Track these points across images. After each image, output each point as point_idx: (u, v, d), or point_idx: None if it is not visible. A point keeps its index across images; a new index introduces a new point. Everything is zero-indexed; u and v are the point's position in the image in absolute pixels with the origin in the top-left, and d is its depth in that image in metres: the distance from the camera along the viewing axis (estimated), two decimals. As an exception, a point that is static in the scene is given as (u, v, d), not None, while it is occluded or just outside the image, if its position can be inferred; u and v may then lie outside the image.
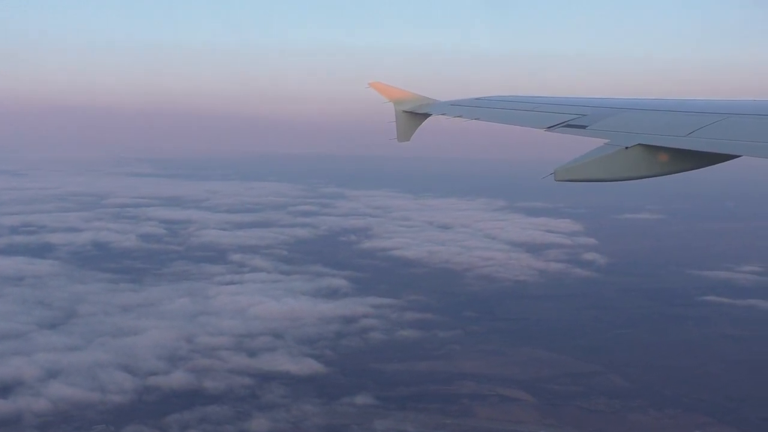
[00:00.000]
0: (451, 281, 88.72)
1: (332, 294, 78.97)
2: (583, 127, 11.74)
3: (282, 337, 64.26)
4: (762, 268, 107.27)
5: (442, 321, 70.78)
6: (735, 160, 9.31)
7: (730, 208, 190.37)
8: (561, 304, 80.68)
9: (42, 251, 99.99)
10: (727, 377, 61.30)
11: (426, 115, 18.48)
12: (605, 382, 58.91)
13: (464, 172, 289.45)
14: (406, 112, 18.71)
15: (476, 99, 17.76)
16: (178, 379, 56.27)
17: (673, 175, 9.73)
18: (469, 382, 57.21)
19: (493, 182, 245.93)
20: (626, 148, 9.59)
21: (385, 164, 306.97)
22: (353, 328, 67.56)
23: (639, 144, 9.67)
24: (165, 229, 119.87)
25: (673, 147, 9.53)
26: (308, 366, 58.96)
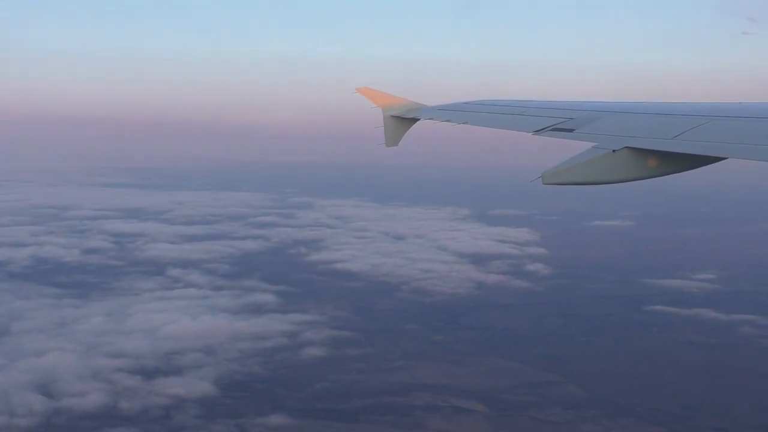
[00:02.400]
0: (382, 295, 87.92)
1: (255, 311, 78.11)
2: (571, 130, 11.81)
3: (188, 357, 63.45)
4: (716, 275, 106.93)
5: (353, 338, 69.96)
6: (721, 162, 9.43)
7: (705, 213, 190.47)
8: (485, 316, 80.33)
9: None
10: (683, 385, 61.41)
11: (414, 120, 18.44)
12: (561, 391, 59.12)
13: (444, 179, 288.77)
14: (394, 117, 18.66)
15: (464, 103, 17.68)
16: (86, 401, 55.47)
17: (659, 178, 9.84)
18: (360, 400, 56.40)
19: (472, 189, 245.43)
20: (613, 151, 9.64)
21: (367, 172, 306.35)
22: (264, 346, 66.66)
23: (626, 147, 9.71)
24: (113, 243, 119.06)
25: (660, 150, 9.60)
26: (215, 385, 58.28)
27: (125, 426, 52.17)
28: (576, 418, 54.32)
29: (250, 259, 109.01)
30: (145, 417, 53.54)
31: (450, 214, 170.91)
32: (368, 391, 58.13)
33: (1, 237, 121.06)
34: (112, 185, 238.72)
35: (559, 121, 12.67)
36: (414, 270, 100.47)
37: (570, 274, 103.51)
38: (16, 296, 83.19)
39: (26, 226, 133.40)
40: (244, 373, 61.04)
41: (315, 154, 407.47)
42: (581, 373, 62.71)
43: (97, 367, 61.22)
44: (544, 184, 9.48)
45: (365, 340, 69.98)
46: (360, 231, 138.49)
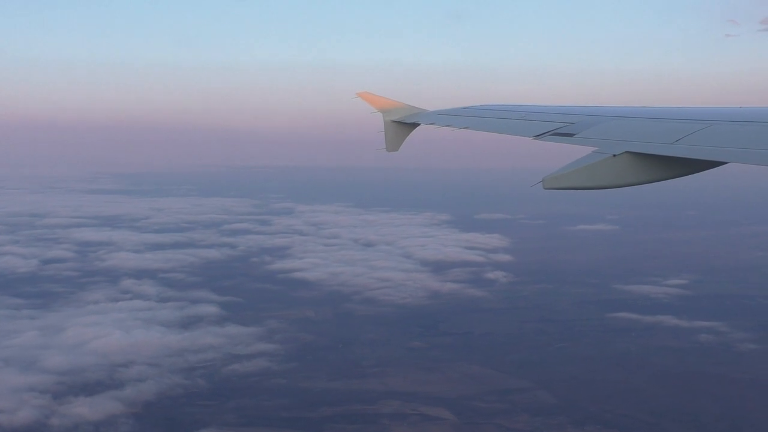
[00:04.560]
0: (330, 306, 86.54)
1: (193, 323, 76.72)
2: (571, 135, 11.84)
3: (108, 373, 62.23)
4: (688, 280, 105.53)
5: (281, 353, 68.61)
6: (722, 166, 9.44)
7: (692, 217, 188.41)
8: (432, 324, 79.01)
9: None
10: (652, 391, 60.70)
11: (415, 125, 18.34)
12: (531, 398, 58.76)
13: (440, 183, 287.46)
14: (395, 121, 18.57)
15: (465, 108, 17.61)
16: (13, 418, 54.55)
17: (659, 182, 9.77)
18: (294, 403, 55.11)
19: (466, 193, 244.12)
20: (614, 155, 9.66)
21: (362, 176, 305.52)
22: (190, 361, 65.33)
23: (627, 152, 9.73)
24: (75, 253, 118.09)
25: (660, 154, 9.60)
26: (135, 402, 57.14)
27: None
28: (542, 426, 54.07)
29: (209, 269, 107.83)
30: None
31: (428, 220, 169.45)
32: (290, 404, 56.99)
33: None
34: (100, 191, 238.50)
35: (560, 125, 12.66)
36: (370, 279, 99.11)
37: (531, 281, 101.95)
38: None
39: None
40: (169, 388, 59.77)
41: (310, 159, 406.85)
42: (553, 380, 62.44)
43: (22, 383, 60.21)
44: (544, 188, 9.43)
45: (295, 353, 68.68)
46: (331, 238, 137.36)
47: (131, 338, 70.37)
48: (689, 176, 9.96)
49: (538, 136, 12.59)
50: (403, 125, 18.63)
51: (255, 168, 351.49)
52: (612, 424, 54.47)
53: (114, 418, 54.12)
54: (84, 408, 54.97)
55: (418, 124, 18.21)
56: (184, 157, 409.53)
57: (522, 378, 63.19)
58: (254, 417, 54.90)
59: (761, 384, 63.91)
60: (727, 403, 59.22)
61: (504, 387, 61.23)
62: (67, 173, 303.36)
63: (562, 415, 55.63)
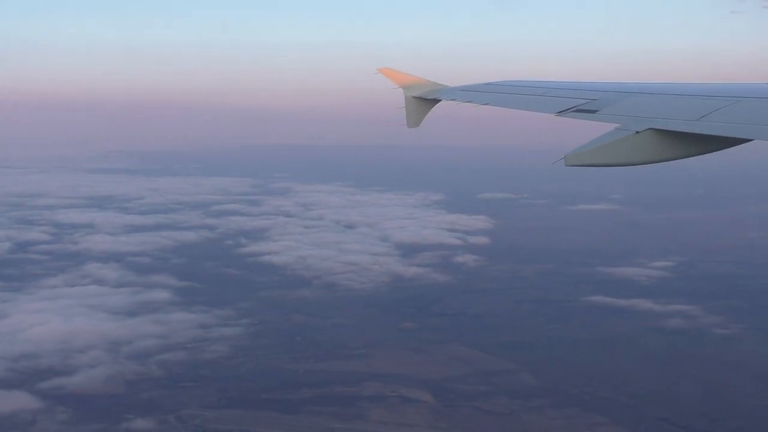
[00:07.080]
0: (288, 291, 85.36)
1: (141, 310, 75.96)
2: (594, 111, 11.83)
3: (36, 362, 61.73)
4: (674, 263, 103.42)
5: (236, 336, 67.84)
6: (746, 144, 9.33)
7: (699, 197, 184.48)
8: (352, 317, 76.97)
9: None
10: (636, 375, 60.53)
11: (435, 101, 18.38)
12: (514, 380, 59.17)
13: (453, 161, 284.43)
14: (416, 97, 18.61)
15: (486, 84, 17.70)
16: None
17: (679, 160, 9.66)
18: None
19: (477, 171, 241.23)
20: (637, 132, 9.60)
21: (374, 154, 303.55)
22: (125, 351, 64.61)
23: (650, 128, 9.66)
24: (52, 235, 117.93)
25: (684, 131, 9.51)
26: (68, 391, 56.84)
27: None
28: (521, 408, 53.82)
29: (179, 252, 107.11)
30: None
31: (419, 200, 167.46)
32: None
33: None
34: (107, 170, 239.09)
35: (582, 102, 12.60)
36: (337, 263, 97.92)
37: (499, 264, 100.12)
38: None
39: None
40: (118, 374, 59.84)
41: (326, 138, 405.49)
42: (538, 362, 62.53)
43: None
44: (566, 165, 9.34)
45: (248, 339, 68.19)
46: (314, 220, 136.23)
47: (68, 326, 69.72)
48: (713, 154, 9.77)
49: (560, 113, 12.46)
50: (424, 101, 18.50)
51: (267, 147, 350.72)
52: (590, 407, 54.18)
53: (26, 413, 53.69)
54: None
55: (439, 100, 18.14)
56: (198, 135, 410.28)
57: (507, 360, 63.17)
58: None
59: (742, 366, 63.00)
60: (711, 386, 58.60)
61: (487, 369, 61.27)
62: (79, 152, 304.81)
63: (542, 397, 55.67)
